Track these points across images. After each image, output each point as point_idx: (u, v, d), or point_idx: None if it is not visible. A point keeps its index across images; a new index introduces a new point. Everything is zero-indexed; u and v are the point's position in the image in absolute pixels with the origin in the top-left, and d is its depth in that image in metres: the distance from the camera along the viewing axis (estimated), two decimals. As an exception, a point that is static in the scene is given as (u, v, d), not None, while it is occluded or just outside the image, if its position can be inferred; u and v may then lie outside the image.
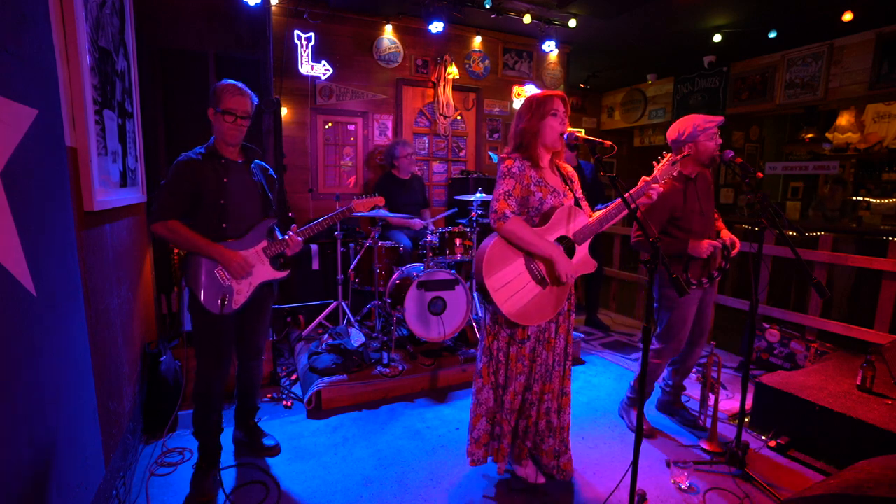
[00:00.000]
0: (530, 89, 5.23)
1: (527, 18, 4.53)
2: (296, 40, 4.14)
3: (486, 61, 5.10)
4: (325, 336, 3.34)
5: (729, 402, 2.92)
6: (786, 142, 7.63)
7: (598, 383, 3.25)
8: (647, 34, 5.15)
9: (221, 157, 2.00)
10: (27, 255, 1.16)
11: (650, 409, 2.81)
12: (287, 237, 2.07)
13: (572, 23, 4.73)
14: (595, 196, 3.96)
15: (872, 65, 4.67)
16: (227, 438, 2.35)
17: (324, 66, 4.27)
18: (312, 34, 4.17)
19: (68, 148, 1.54)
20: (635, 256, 2.39)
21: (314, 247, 4.00)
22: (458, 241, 3.40)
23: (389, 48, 4.61)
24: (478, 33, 4.94)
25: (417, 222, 3.91)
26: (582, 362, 3.62)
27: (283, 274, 2.11)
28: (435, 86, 4.87)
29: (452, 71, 4.82)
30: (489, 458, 2.09)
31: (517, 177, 1.88)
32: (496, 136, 5.30)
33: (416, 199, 4.12)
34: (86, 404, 1.57)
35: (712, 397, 2.43)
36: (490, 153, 5.22)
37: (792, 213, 7.41)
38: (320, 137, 4.51)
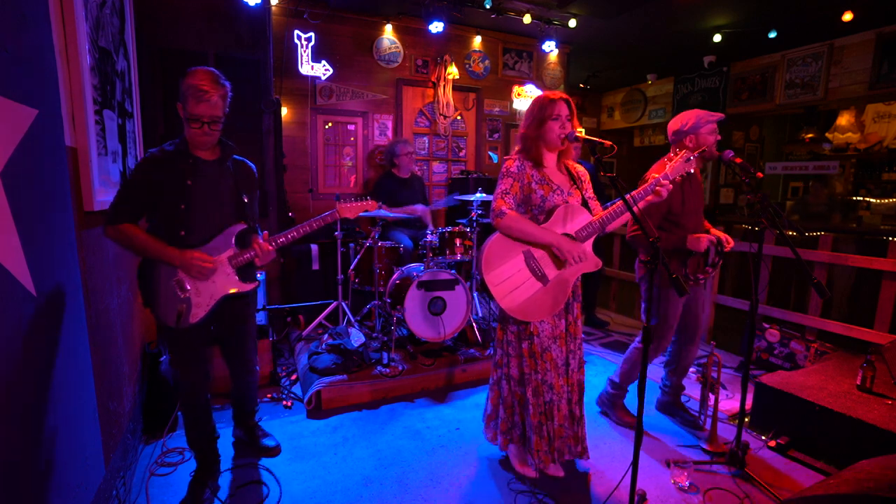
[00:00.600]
0: (530, 89, 5.23)
1: (527, 18, 4.53)
2: (296, 40, 4.14)
3: (486, 61, 5.10)
4: (325, 336, 3.34)
5: (729, 402, 2.92)
6: (786, 142, 7.63)
7: (598, 383, 3.24)
8: (647, 34, 5.15)
9: (191, 155, 1.78)
10: (27, 255, 1.16)
11: (650, 409, 2.81)
12: (256, 246, 1.83)
13: (572, 23, 4.73)
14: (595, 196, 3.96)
15: (872, 65, 4.67)
16: (227, 437, 2.35)
17: (324, 66, 4.27)
18: (312, 34, 4.17)
19: (68, 148, 1.54)
20: (635, 256, 2.38)
21: (314, 247, 4.00)
22: (458, 241, 3.40)
23: (389, 48, 4.61)
24: (478, 33, 4.94)
25: (419, 207, 3.95)
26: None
27: (251, 286, 1.90)
28: (435, 86, 4.87)
29: (452, 71, 4.82)
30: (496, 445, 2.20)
31: (516, 176, 1.95)
32: (496, 136, 5.30)
33: (415, 198, 4.13)
34: (86, 404, 1.57)
35: (712, 397, 2.43)
36: (490, 153, 5.22)
37: (792, 214, 7.40)
38: (320, 137, 4.51)
